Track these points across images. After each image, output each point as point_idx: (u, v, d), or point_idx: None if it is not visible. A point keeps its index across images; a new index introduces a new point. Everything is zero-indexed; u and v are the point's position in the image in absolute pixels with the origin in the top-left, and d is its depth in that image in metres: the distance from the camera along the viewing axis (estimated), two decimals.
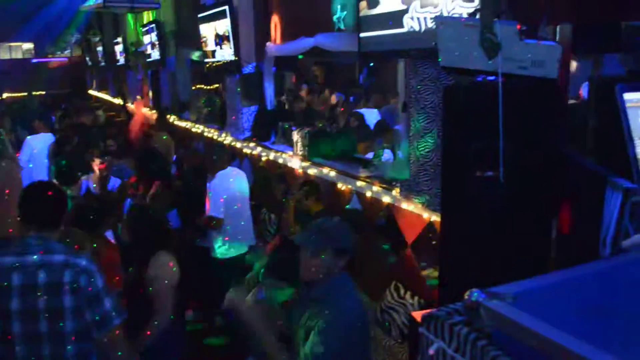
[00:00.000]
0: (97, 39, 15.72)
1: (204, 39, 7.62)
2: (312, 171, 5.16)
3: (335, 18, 5.00)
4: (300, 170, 5.39)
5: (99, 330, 2.42)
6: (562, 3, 3.20)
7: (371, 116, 6.62)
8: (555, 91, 2.65)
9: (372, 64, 9.34)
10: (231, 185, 4.79)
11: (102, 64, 15.64)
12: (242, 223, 4.89)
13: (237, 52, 6.75)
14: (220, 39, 7.09)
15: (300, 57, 8.03)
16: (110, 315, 2.44)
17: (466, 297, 1.08)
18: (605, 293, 1.12)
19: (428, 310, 1.34)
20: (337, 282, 2.55)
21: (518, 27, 2.57)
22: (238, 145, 6.82)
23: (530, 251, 2.61)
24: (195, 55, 8.71)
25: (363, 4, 4.07)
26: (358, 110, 6.87)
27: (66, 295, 2.35)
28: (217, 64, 7.42)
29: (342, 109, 7.11)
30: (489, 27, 2.54)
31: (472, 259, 2.64)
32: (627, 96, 1.34)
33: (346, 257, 2.56)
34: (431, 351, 1.12)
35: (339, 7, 4.98)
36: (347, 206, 4.75)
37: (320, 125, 5.91)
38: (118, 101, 14.39)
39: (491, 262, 2.62)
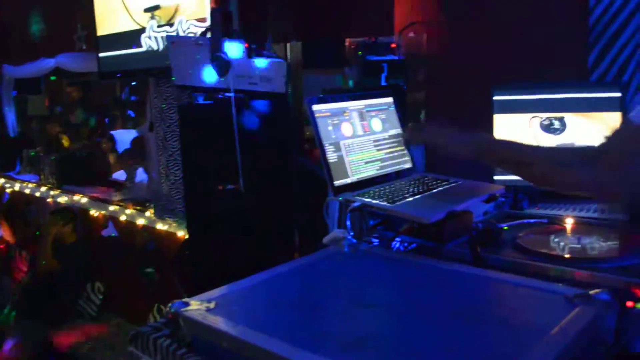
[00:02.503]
0: None
1: None
2: (62, 199, 4.86)
3: (75, 37, 4.79)
4: (50, 200, 5.04)
5: None
6: (292, 23, 3.43)
7: (129, 137, 6.41)
8: (285, 104, 2.81)
9: (134, 83, 9.04)
10: None
11: None
12: None
13: None
14: None
15: (52, 78, 7.51)
16: None
17: (167, 309, 1.10)
18: (301, 287, 1.22)
19: None
20: None
21: (246, 45, 2.70)
22: None
23: (276, 258, 2.74)
24: None
25: (99, 23, 3.95)
26: (113, 131, 6.62)
27: None
28: None
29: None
30: (218, 45, 2.63)
31: (222, 272, 2.70)
32: (316, 107, 1.47)
33: None
34: None
35: (79, 25, 4.78)
36: (104, 233, 4.55)
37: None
38: None
39: (241, 272, 2.71)
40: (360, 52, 3.32)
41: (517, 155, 1.48)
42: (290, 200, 2.80)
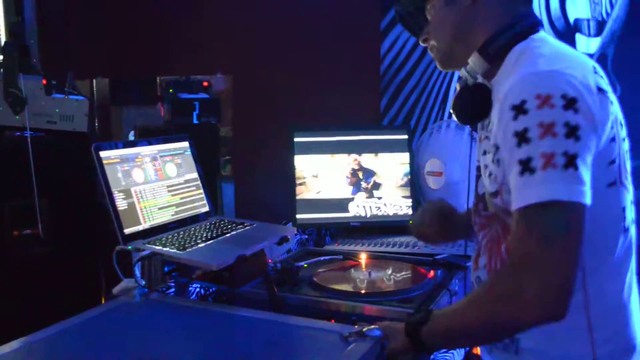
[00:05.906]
0: None
1: None
2: None
3: None
4: None
5: None
6: (98, 60, 3.31)
7: None
8: (88, 143, 2.70)
9: None
10: None
11: None
12: None
13: None
14: None
15: None
16: None
17: None
18: (79, 344, 1.16)
19: None
20: None
21: (44, 81, 2.56)
22: None
23: (82, 305, 2.59)
24: None
25: None
26: None
27: None
28: None
29: None
30: (12, 81, 2.47)
31: (23, 324, 2.50)
32: (104, 154, 1.43)
33: None
34: None
35: None
36: None
37: None
38: None
39: (44, 322, 2.52)
40: (171, 90, 3.30)
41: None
42: (94, 243, 2.68)
